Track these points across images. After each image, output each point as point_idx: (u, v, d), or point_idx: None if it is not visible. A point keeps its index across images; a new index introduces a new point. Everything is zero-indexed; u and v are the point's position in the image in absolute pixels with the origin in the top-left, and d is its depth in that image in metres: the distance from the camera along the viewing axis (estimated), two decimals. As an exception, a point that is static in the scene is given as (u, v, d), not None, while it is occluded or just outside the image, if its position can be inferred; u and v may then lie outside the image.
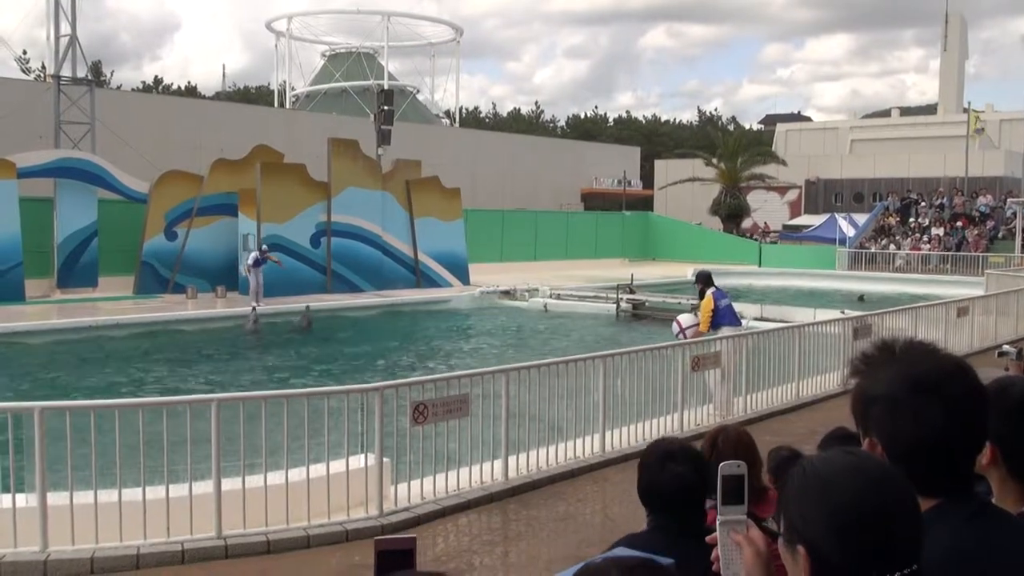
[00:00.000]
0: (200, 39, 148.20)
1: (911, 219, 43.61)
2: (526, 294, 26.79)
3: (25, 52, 64.61)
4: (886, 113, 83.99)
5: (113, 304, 22.48)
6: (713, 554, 1.94)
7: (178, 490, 6.88)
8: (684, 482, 2.82)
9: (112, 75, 76.79)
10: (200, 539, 6.83)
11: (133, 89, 66.74)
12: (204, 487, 7.02)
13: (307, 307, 22.14)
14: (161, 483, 6.82)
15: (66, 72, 27.34)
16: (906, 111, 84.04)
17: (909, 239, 41.39)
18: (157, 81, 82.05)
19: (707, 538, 2.09)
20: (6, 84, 35.76)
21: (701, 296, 12.08)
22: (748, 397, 11.73)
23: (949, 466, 1.78)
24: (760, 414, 11.60)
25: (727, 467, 1.99)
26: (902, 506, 1.48)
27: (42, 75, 48.82)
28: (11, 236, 22.45)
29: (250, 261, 23.47)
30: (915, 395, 1.79)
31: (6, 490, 6.79)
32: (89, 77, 28.92)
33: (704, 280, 12.22)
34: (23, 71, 56.67)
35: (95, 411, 6.96)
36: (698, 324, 11.88)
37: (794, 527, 1.52)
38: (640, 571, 1.42)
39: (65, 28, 27.27)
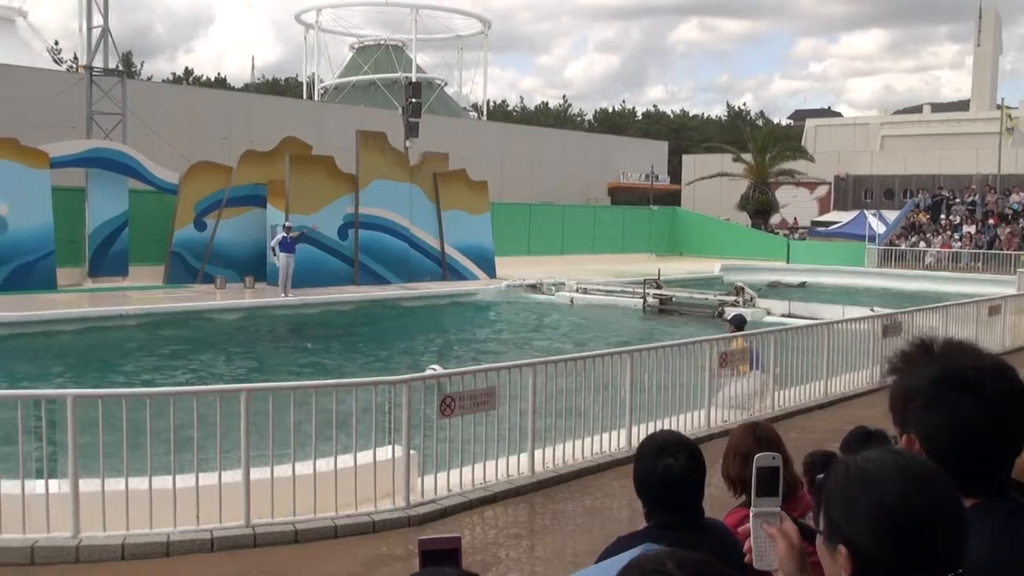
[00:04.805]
0: (233, 32, 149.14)
1: (942, 216, 43.18)
2: (552, 288, 26.75)
3: (57, 43, 65.28)
4: (918, 109, 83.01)
5: (143, 293, 22.68)
6: (746, 545, 1.94)
7: (208, 479, 6.94)
8: (677, 473, 2.80)
9: (142, 66, 77.53)
10: (229, 527, 6.89)
11: (163, 80, 67.25)
12: (233, 476, 7.07)
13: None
14: (191, 471, 6.89)
15: (98, 63, 27.57)
16: (938, 107, 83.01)
17: (940, 237, 40.98)
18: (188, 72, 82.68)
19: (739, 529, 2.08)
20: (39, 75, 36.13)
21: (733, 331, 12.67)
22: (775, 394, 11.67)
23: (987, 465, 1.77)
24: (787, 411, 11.54)
25: (762, 459, 1.99)
26: (949, 508, 1.46)
27: (75, 66, 49.33)
28: (44, 225, 22.70)
29: (274, 243, 23.58)
30: (954, 392, 1.78)
31: (39, 476, 6.87)
32: (120, 68, 29.15)
33: (738, 324, 12.94)
34: (55, 62, 57.20)
35: (127, 399, 7.04)
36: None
37: (836, 526, 1.50)
38: (695, 566, 1.41)
39: (98, 20, 27.51)
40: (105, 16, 27.36)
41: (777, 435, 3.81)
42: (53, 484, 6.82)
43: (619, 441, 9.42)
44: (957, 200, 44.35)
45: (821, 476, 1.83)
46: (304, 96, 59.65)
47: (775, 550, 1.83)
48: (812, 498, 3.53)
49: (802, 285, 32.62)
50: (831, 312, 20.35)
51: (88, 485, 6.76)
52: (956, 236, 40.69)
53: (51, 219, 22.85)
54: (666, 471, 2.80)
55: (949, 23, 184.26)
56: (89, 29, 27.74)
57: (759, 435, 3.72)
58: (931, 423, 1.78)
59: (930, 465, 1.54)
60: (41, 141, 23.59)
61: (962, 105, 77.95)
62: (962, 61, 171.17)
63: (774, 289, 29.79)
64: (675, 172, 65.08)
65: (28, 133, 24.27)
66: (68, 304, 20.14)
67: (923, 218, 43.40)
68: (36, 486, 6.80)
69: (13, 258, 22.10)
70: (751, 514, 1.92)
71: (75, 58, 55.49)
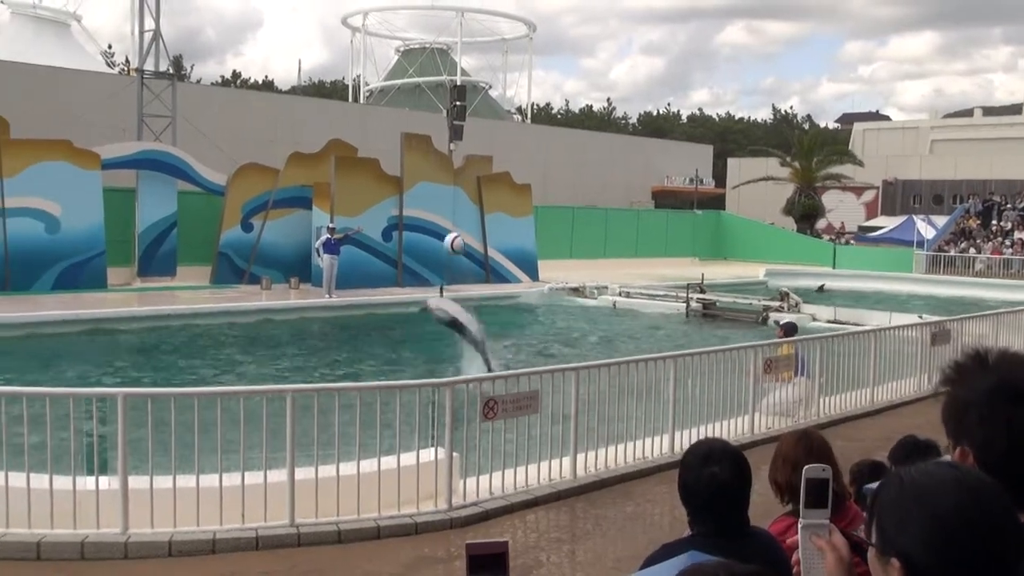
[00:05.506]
0: (280, 35, 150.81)
1: (993, 222, 42.44)
2: (595, 291, 26.69)
3: (110, 46, 66.47)
4: (969, 113, 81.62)
5: (191, 293, 23.00)
6: (794, 558, 1.92)
7: (253, 478, 7.02)
8: (722, 481, 2.78)
9: (192, 69, 78.61)
10: (274, 526, 6.97)
11: (213, 83, 68.14)
12: (278, 476, 7.14)
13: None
14: (237, 470, 6.98)
15: (149, 66, 28.03)
16: (990, 111, 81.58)
17: (990, 243, 40.28)
18: (236, 75, 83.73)
19: (787, 541, 2.06)
20: (92, 77, 36.80)
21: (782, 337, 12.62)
22: (820, 401, 11.55)
23: None
24: (833, 419, 11.41)
25: (811, 470, 1.97)
26: (1005, 522, 1.44)
27: (126, 69, 50.15)
28: (95, 225, 23.11)
29: (319, 244, 23.75)
30: (1009, 403, 1.76)
31: (90, 473, 6.99)
32: (171, 71, 29.61)
33: (788, 331, 12.90)
34: (108, 65, 58.18)
35: (175, 398, 7.14)
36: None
37: (889, 538, 1.48)
38: None
39: (149, 23, 27.98)
40: (157, 20, 27.83)
41: (828, 445, 3.76)
42: (103, 481, 6.94)
43: (662, 446, 9.38)
44: (1009, 205, 43.60)
45: (870, 486, 1.81)
46: (350, 99, 60.14)
47: (824, 563, 1.81)
48: (858, 507, 3.49)
49: (820, 289, 32.11)
50: (878, 319, 20.08)
51: (137, 482, 6.88)
52: (1007, 242, 39.97)
53: (102, 219, 23.26)
54: (711, 479, 2.78)
55: (1003, 25, 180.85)
56: (141, 33, 28.24)
57: (809, 445, 3.67)
58: (986, 435, 1.76)
59: (985, 478, 1.52)
60: (93, 143, 24.03)
61: (1015, 109, 76.49)
62: (1015, 64, 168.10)
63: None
64: (720, 176, 64.62)
65: (81, 135, 24.73)
66: (118, 303, 20.47)
67: (973, 224, 42.70)
68: (87, 483, 6.92)
69: (65, 257, 22.53)
70: (799, 526, 1.90)
71: (127, 61, 56.45)
